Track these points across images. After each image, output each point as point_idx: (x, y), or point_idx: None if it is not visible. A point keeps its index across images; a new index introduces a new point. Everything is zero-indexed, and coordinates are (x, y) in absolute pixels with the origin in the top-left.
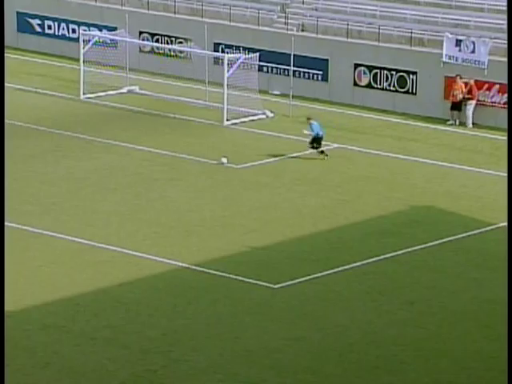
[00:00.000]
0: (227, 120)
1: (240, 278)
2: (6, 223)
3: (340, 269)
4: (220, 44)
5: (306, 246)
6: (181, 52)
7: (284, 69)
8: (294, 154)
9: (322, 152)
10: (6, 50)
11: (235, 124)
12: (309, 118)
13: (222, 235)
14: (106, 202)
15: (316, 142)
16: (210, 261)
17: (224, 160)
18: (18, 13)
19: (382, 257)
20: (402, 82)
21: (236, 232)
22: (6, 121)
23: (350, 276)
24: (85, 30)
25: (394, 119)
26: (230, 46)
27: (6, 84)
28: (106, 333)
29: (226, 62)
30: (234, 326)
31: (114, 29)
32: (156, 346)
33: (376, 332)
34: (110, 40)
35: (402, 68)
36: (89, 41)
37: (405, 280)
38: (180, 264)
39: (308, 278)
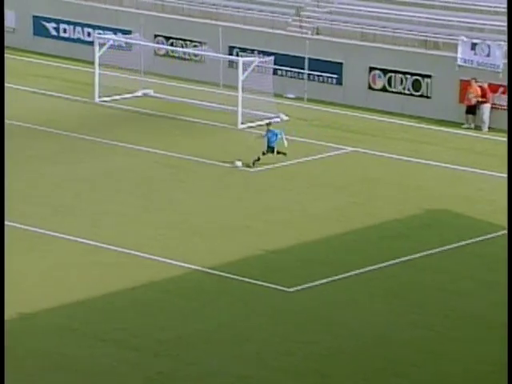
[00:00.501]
0: (241, 123)
1: (253, 281)
2: (16, 225)
3: (353, 272)
4: (235, 47)
5: (320, 249)
6: (195, 55)
7: (298, 72)
8: (309, 158)
9: (258, 159)
10: (22, 54)
11: (250, 127)
12: (268, 124)
13: (236, 238)
14: (119, 204)
15: (268, 150)
16: (223, 264)
17: (238, 163)
18: (34, 16)
19: (395, 260)
20: (416, 85)
21: (249, 235)
22: (21, 123)
23: (363, 279)
24: (100, 34)
25: (409, 122)
26: (244, 50)
27: (21, 87)
28: (119, 335)
29: (240, 65)
30: (247, 328)
31: (129, 32)
32: (168, 349)
33: (387, 335)
34: (125, 43)
35: (417, 71)
36: (104, 44)
37: (418, 283)
38: (192, 267)
39: (321, 281)
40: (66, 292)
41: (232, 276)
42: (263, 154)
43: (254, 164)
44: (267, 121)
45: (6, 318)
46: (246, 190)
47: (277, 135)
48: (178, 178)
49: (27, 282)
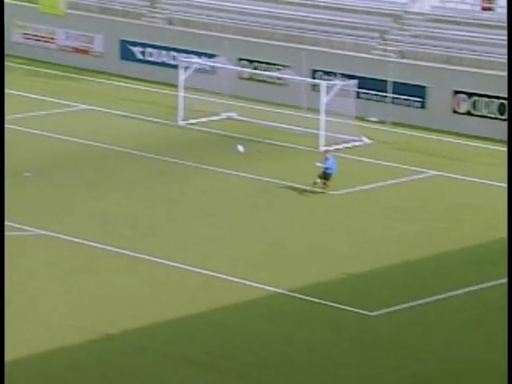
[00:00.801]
0: (324, 146)
1: (337, 305)
2: (105, 247)
3: (438, 297)
4: (318, 71)
5: (403, 274)
6: (279, 79)
7: (382, 95)
8: (392, 181)
9: (316, 183)
10: (109, 77)
11: (331, 150)
12: (326, 151)
13: (319, 261)
14: (204, 227)
15: (324, 176)
16: (307, 287)
17: (240, 148)
18: (121, 41)
19: (481, 285)
20: (502, 109)
21: (333, 258)
22: (109, 146)
23: (449, 304)
24: (184, 57)
25: (494, 146)
26: (328, 73)
27: (109, 110)
28: (203, 357)
29: (323, 88)
30: (331, 353)
31: (214, 56)
32: (251, 372)
33: (473, 360)
34: (209, 67)
35: (503, 95)
36: (188, 67)
37: (502, 309)
38: (277, 290)
39: (405, 305)
40: (151, 313)
41: (316, 299)
42: (324, 181)
43: (320, 186)
44: (325, 148)
45: (92, 338)
46: (329, 213)
47: (330, 165)
48: (261, 202)
49: (114, 302)
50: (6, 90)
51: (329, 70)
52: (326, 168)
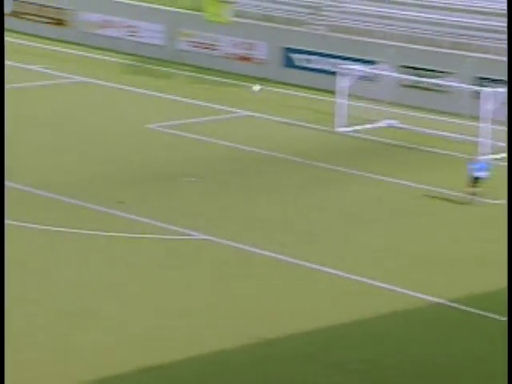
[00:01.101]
0: (485, 155)
1: (496, 317)
2: (263, 252)
3: None
4: (485, 78)
5: None
6: (440, 86)
7: None
8: None
9: (474, 194)
10: (273, 84)
11: (495, 159)
12: (473, 157)
13: (481, 272)
14: (361, 235)
15: (474, 182)
16: (467, 297)
17: (256, 88)
18: (284, 48)
19: None
20: None
21: (495, 269)
22: (268, 152)
23: None
24: (345, 65)
25: None
26: (494, 81)
27: (270, 117)
28: (360, 366)
29: (484, 96)
30: (490, 365)
31: (375, 63)
32: (407, 381)
33: None
34: (370, 74)
35: None
36: (347, 75)
37: None
38: (436, 299)
39: None
40: (307, 319)
41: (476, 310)
42: (474, 187)
43: (472, 196)
44: (471, 157)
45: (248, 342)
46: (491, 222)
47: (480, 169)
48: (420, 209)
49: (271, 307)
50: (172, 96)
51: (495, 78)
52: (475, 173)
